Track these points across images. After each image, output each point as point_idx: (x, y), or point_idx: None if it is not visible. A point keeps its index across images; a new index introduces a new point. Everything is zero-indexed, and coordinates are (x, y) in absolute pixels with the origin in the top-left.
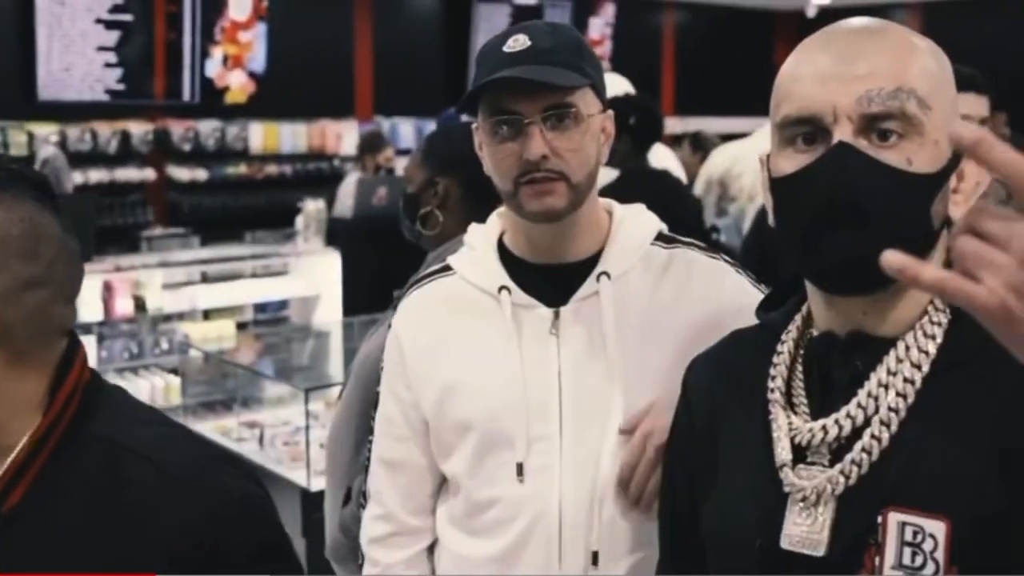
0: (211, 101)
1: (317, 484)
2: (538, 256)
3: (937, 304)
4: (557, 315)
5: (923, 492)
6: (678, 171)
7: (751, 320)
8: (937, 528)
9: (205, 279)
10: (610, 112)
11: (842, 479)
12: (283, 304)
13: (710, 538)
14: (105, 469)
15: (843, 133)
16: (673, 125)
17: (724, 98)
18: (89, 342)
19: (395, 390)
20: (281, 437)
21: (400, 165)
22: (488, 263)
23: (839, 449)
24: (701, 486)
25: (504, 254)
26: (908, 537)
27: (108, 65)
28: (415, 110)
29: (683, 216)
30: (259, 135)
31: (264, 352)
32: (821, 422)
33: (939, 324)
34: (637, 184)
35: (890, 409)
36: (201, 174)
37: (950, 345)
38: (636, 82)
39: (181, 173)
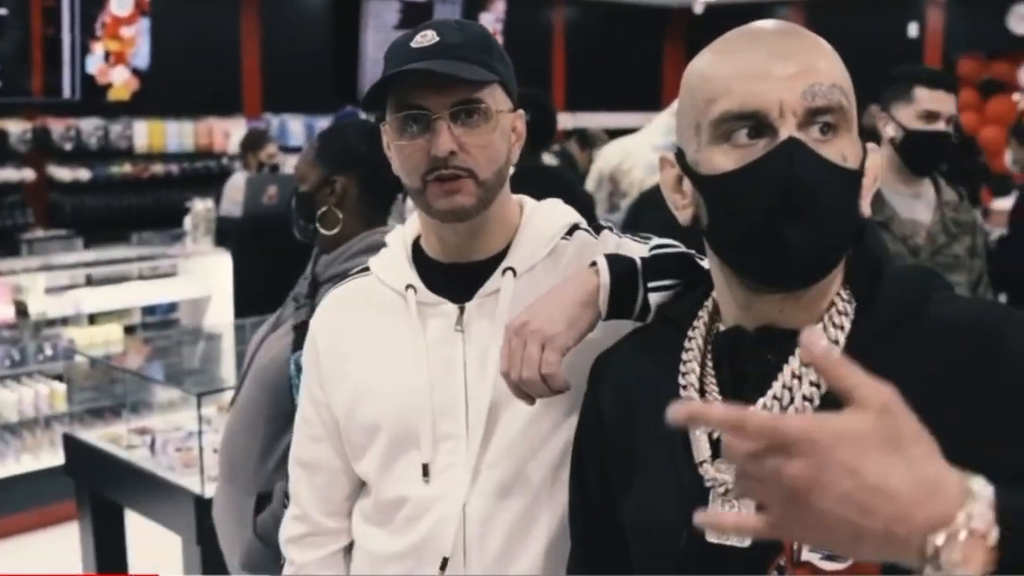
0: (93, 98)
1: (211, 490)
2: (448, 255)
3: (843, 294)
4: (462, 312)
5: None
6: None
7: None
8: None
9: (90, 282)
10: (521, 112)
11: None
12: (172, 307)
13: (633, 531)
14: None
15: (788, 128)
16: (565, 120)
17: (615, 94)
18: None
19: (311, 391)
20: (173, 443)
21: (289, 163)
22: (398, 262)
23: None
24: (619, 479)
25: (418, 254)
26: None
27: None
28: (305, 107)
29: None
30: (144, 133)
31: (153, 356)
32: None
33: (846, 314)
34: (531, 181)
35: (805, 399)
36: (84, 174)
37: (859, 331)
38: (527, 78)
39: (62, 173)
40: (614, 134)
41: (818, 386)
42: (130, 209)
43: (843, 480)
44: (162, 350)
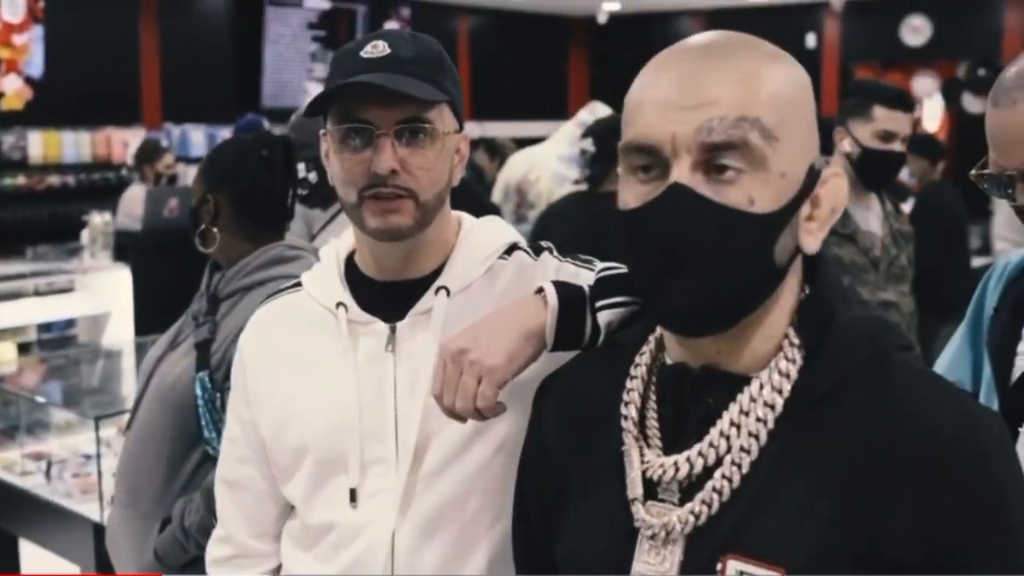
0: None
1: None
2: (383, 273)
3: (792, 339)
4: (394, 331)
5: (762, 540)
6: None
7: None
8: None
9: None
10: (466, 133)
11: (691, 518)
12: (70, 323)
13: (563, 567)
14: None
15: (681, 168)
16: (471, 130)
17: (522, 103)
18: None
19: (238, 410)
20: (70, 468)
21: (190, 174)
22: (329, 279)
23: (690, 487)
24: (555, 512)
25: (352, 270)
26: None
27: None
28: (206, 117)
29: None
30: (39, 144)
31: (49, 376)
32: (673, 458)
33: (793, 361)
34: None
35: (742, 449)
36: None
37: (804, 384)
38: None
39: None
40: (522, 143)
41: (756, 437)
42: (25, 222)
43: None
44: (58, 369)
